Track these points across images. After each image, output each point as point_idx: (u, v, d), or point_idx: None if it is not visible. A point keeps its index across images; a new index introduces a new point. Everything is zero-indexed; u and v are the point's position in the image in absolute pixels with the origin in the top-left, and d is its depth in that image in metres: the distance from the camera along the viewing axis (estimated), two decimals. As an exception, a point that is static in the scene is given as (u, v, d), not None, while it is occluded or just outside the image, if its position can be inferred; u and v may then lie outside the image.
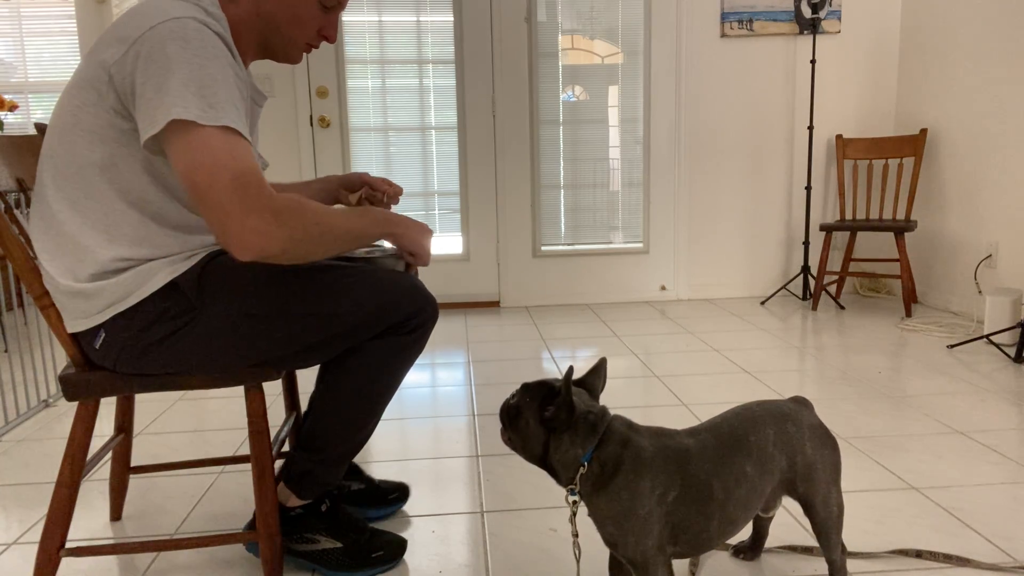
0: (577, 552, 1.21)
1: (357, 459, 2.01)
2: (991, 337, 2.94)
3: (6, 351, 3.25)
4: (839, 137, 3.86)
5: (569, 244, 4.06)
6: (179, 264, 1.24)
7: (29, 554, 1.54)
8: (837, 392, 2.42)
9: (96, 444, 2.15)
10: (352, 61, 3.82)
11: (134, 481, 1.89)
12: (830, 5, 3.88)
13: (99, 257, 1.19)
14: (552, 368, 2.80)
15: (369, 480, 1.69)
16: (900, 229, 3.44)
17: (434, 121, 3.89)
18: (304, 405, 2.39)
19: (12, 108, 3.60)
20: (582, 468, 1.10)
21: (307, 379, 2.69)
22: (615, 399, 2.40)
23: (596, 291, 4.09)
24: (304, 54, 1.36)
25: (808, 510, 1.21)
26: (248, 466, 1.97)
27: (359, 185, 1.60)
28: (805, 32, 3.88)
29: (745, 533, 1.46)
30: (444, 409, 2.38)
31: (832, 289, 4.07)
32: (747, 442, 1.14)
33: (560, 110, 3.92)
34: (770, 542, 1.48)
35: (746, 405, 1.22)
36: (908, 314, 3.51)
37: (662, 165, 3.98)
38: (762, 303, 3.92)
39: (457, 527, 1.60)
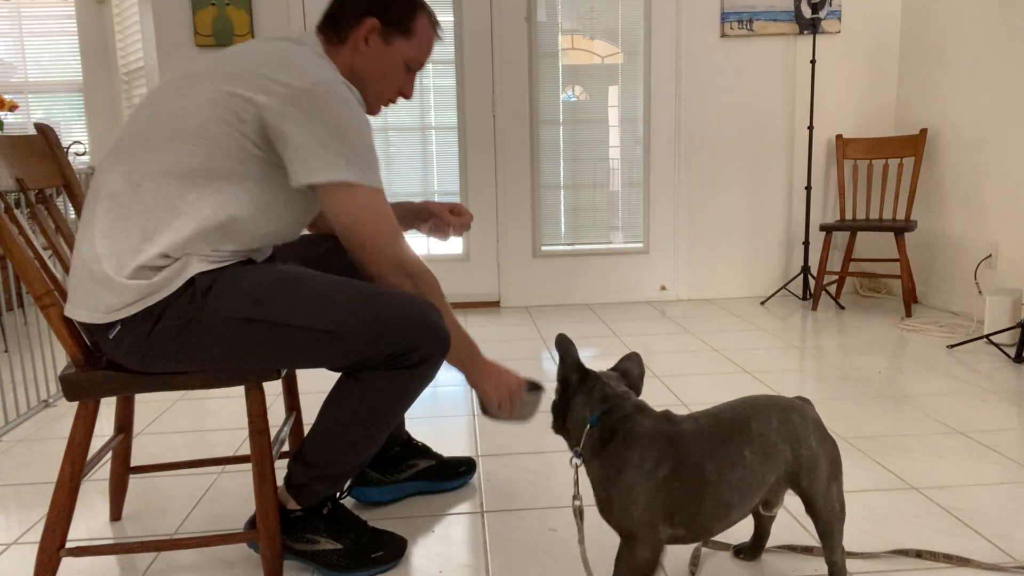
0: (578, 513, 1.25)
1: (418, 437, 2.07)
2: (991, 337, 2.94)
3: (6, 351, 3.25)
4: (839, 137, 3.86)
5: (569, 244, 4.06)
6: (206, 264, 1.26)
7: (29, 554, 1.54)
8: (837, 392, 2.42)
9: (96, 444, 2.15)
10: (352, 61, 3.81)
11: (134, 481, 1.89)
12: (830, 5, 3.88)
13: (151, 250, 1.22)
14: (552, 368, 2.80)
15: (438, 456, 1.79)
16: (900, 229, 3.44)
17: (434, 121, 3.89)
18: (304, 405, 2.39)
19: (12, 108, 3.60)
20: (587, 429, 1.19)
21: (307, 379, 2.70)
22: (615, 399, 2.40)
23: (596, 291, 4.09)
24: (384, 107, 1.49)
25: (810, 505, 1.22)
26: (248, 466, 1.97)
27: (427, 216, 1.71)
28: (805, 32, 3.88)
29: (747, 533, 1.46)
30: (444, 409, 2.38)
31: (832, 289, 4.07)
32: (748, 428, 1.17)
33: (560, 110, 3.92)
34: (770, 542, 1.48)
35: (753, 396, 1.24)
36: (908, 314, 3.51)
37: (662, 165, 3.98)
38: (762, 303, 3.92)
39: (457, 527, 1.61)
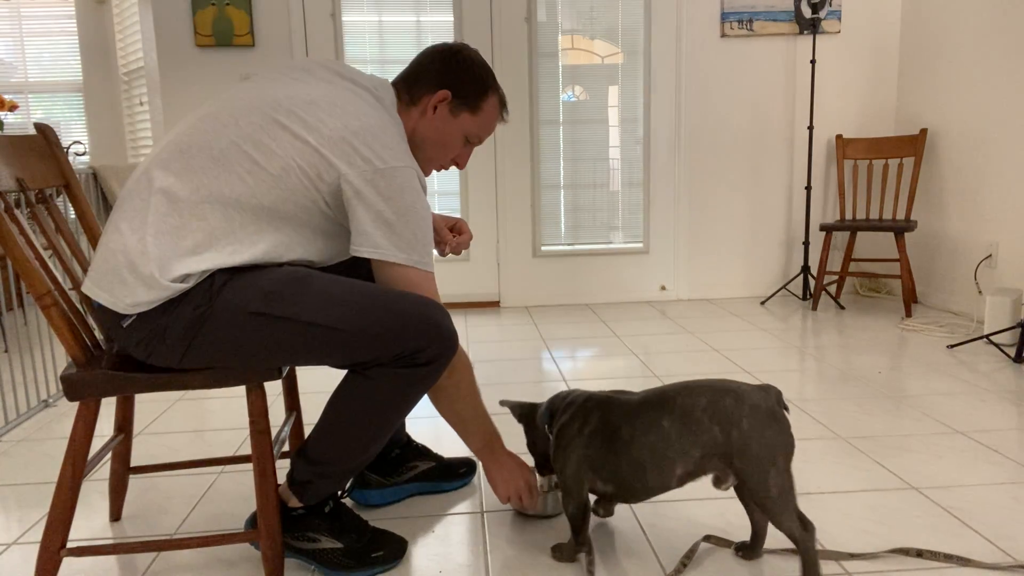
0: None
1: (417, 438, 2.08)
2: (991, 337, 2.94)
3: (6, 351, 3.25)
4: (839, 137, 3.86)
5: (569, 244, 4.06)
6: (228, 258, 1.28)
7: (29, 554, 1.54)
8: (837, 392, 2.42)
9: (96, 444, 2.15)
10: (352, 61, 3.82)
11: (134, 481, 1.89)
12: (830, 5, 3.88)
13: (196, 265, 1.25)
14: (552, 368, 2.80)
15: (438, 458, 1.80)
16: (900, 229, 3.44)
17: (434, 121, 3.89)
18: (304, 405, 2.39)
19: (12, 108, 3.60)
20: (548, 434, 1.46)
21: (308, 379, 2.70)
22: (615, 399, 2.40)
23: (596, 291, 4.09)
24: (437, 171, 1.55)
25: (740, 488, 1.30)
26: (248, 466, 1.97)
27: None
28: (805, 32, 3.88)
29: (746, 533, 1.46)
30: (444, 409, 2.38)
31: (832, 289, 4.07)
32: (672, 401, 1.29)
33: (560, 110, 3.92)
34: (771, 542, 1.48)
35: (702, 379, 1.33)
36: (908, 314, 3.51)
37: (662, 165, 3.98)
38: (762, 303, 3.92)
39: (457, 527, 1.61)
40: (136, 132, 4.42)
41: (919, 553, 1.41)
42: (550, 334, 3.36)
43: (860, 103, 3.99)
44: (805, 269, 3.92)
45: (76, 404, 2.34)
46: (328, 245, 1.38)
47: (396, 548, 1.46)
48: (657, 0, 3.84)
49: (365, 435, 1.35)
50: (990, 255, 3.32)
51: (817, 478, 1.78)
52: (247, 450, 2.07)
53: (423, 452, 1.79)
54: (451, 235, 1.70)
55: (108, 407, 2.46)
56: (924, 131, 3.64)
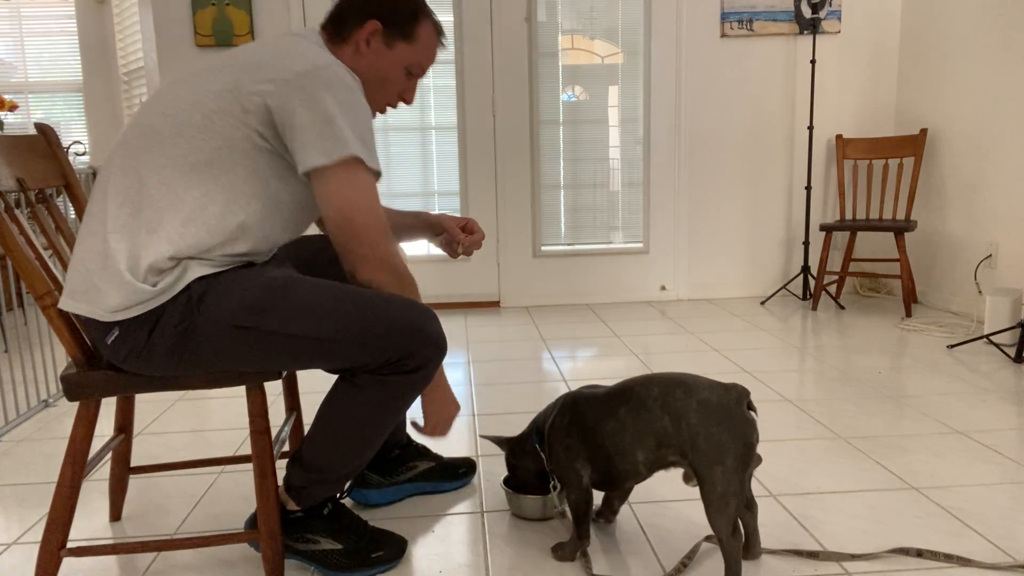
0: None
1: (416, 437, 2.08)
2: (991, 337, 2.94)
3: (6, 351, 3.25)
4: (839, 137, 3.86)
5: (569, 244, 4.06)
6: (205, 268, 1.26)
7: (29, 554, 1.54)
8: (837, 392, 2.42)
9: (96, 444, 2.15)
10: (352, 61, 3.81)
11: (134, 481, 1.89)
12: (830, 5, 3.88)
13: (162, 248, 1.22)
14: (552, 368, 2.80)
15: (438, 458, 1.80)
16: (900, 229, 3.44)
17: (434, 121, 3.89)
18: (304, 405, 2.39)
19: (12, 108, 3.60)
20: (538, 450, 1.53)
21: (307, 379, 2.70)
22: (615, 399, 2.40)
23: (596, 291, 4.09)
24: (381, 113, 1.48)
25: (693, 478, 1.31)
26: (248, 466, 1.97)
27: (440, 230, 1.71)
28: (805, 32, 3.88)
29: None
30: (444, 409, 2.38)
31: (832, 289, 4.07)
32: (630, 391, 1.35)
33: (560, 110, 3.92)
34: (771, 543, 1.48)
35: (664, 372, 1.38)
36: (908, 314, 3.51)
37: (662, 165, 3.98)
38: (762, 303, 3.92)
39: (457, 527, 1.61)
40: (136, 132, 4.41)
41: (919, 553, 1.41)
42: (550, 334, 3.36)
43: (860, 103, 3.99)
44: (805, 269, 3.92)
45: (76, 404, 2.34)
46: (284, 188, 1.31)
47: (396, 548, 1.46)
48: (657, 0, 3.84)
49: (357, 442, 1.35)
50: (990, 255, 3.32)
51: (817, 478, 1.78)
52: (247, 450, 2.07)
53: (423, 452, 1.79)
54: (464, 235, 1.68)
55: (108, 407, 2.46)
56: (924, 131, 3.64)
